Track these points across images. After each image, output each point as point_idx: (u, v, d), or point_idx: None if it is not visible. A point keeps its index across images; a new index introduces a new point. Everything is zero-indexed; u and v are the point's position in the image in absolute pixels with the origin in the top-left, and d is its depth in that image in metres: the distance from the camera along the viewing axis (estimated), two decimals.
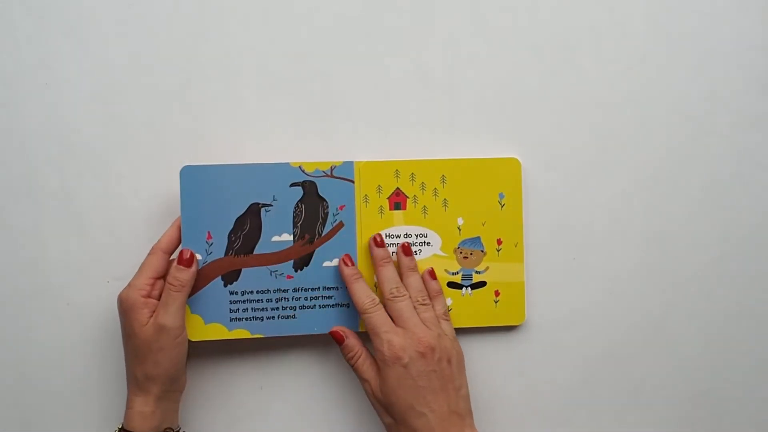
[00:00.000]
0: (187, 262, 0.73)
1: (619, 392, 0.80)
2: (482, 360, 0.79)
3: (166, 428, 0.72)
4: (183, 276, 0.73)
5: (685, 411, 0.81)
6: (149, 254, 0.74)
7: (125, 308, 0.72)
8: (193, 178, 0.75)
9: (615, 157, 0.80)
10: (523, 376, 0.80)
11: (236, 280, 0.76)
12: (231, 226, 0.76)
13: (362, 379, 0.73)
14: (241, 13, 0.79)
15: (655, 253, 0.81)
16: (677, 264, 0.81)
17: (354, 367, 0.74)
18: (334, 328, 0.75)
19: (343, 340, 0.75)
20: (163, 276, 0.74)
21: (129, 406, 0.72)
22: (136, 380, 0.72)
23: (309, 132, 0.79)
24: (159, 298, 0.73)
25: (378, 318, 0.73)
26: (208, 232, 0.75)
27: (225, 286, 0.76)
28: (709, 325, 0.81)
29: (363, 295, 0.74)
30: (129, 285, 0.73)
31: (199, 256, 0.75)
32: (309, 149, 0.79)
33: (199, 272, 0.75)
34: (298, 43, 0.79)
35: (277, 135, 0.79)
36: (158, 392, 0.71)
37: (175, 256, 0.75)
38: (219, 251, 0.76)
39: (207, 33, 0.79)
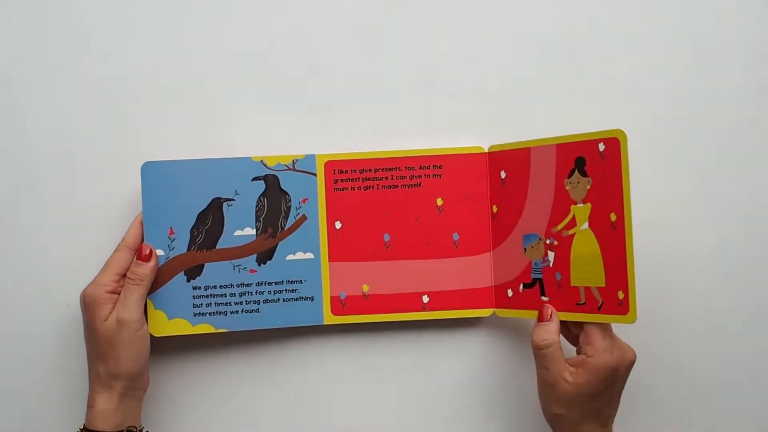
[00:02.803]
0: (145, 257, 0.73)
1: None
2: None
3: (129, 426, 0.71)
4: (141, 270, 0.73)
5: (686, 410, 0.82)
6: (115, 251, 0.74)
7: (88, 304, 0.71)
8: (154, 174, 0.75)
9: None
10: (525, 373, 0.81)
11: (199, 275, 0.76)
12: (193, 222, 0.75)
13: (543, 367, 0.72)
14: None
15: (654, 253, 0.81)
16: (676, 263, 0.81)
17: (541, 353, 0.72)
18: (547, 304, 0.74)
19: (547, 319, 0.73)
20: None
21: (91, 404, 0.71)
22: (98, 377, 0.71)
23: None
24: None
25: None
26: (170, 228, 0.75)
27: (188, 281, 0.76)
28: (707, 324, 0.81)
29: None
30: (93, 281, 0.72)
31: (161, 252, 0.75)
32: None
33: (161, 268, 0.75)
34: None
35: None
36: (121, 389, 0.71)
37: None
38: (181, 246, 0.75)
39: (208, 33, 0.79)
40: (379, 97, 0.81)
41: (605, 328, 0.71)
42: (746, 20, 0.82)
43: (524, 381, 0.80)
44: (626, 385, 0.72)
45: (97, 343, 0.71)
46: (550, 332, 0.72)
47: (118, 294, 0.72)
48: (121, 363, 0.71)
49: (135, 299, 0.72)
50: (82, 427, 0.71)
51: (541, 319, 0.73)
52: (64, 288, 0.77)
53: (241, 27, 0.80)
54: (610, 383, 0.70)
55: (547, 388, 0.72)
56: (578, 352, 0.73)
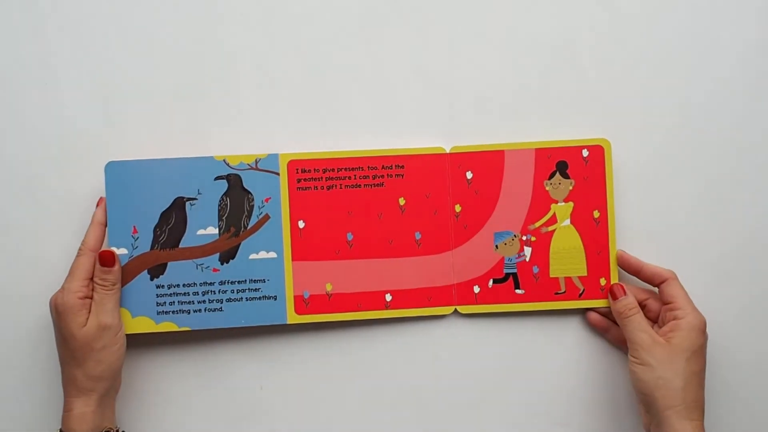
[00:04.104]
0: (109, 262, 0.74)
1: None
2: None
3: (106, 428, 0.72)
4: (111, 276, 0.74)
5: None
6: (78, 255, 0.74)
7: (61, 312, 0.72)
8: (118, 173, 0.76)
9: (615, 158, 0.80)
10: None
11: (162, 273, 0.77)
12: (156, 221, 0.76)
13: (638, 331, 0.74)
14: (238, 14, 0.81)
15: (653, 253, 0.80)
16: (676, 264, 0.79)
17: (629, 320, 0.75)
18: (616, 284, 0.78)
19: (623, 294, 0.77)
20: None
21: (67, 408, 0.72)
22: (74, 382, 0.72)
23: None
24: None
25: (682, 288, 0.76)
26: (134, 227, 0.76)
27: (151, 279, 0.77)
28: (708, 325, 0.79)
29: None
30: (63, 289, 0.73)
31: (124, 251, 0.76)
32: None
33: (125, 266, 0.76)
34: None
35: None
36: (102, 391, 0.72)
37: None
38: (145, 245, 0.76)
39: (209, 34, 0.80)
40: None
41: (686, 294, 0.76)
42: (746, 22, 0.81)
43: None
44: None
45: (74, 349, 0.72)
46: (629, 300, 0.76)
47: (89, 298, 0.73)
48: (103, 365, 0.72)
49: (113, 303, 0.74)
50: (59, 430, 0.72)
51: (616, 297, 0.77)
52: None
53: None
54: (705, 339, 0.74)
55: (648, 349, 0.73)
56: (660, 322, 0.77)
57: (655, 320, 0.78)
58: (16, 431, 0.79)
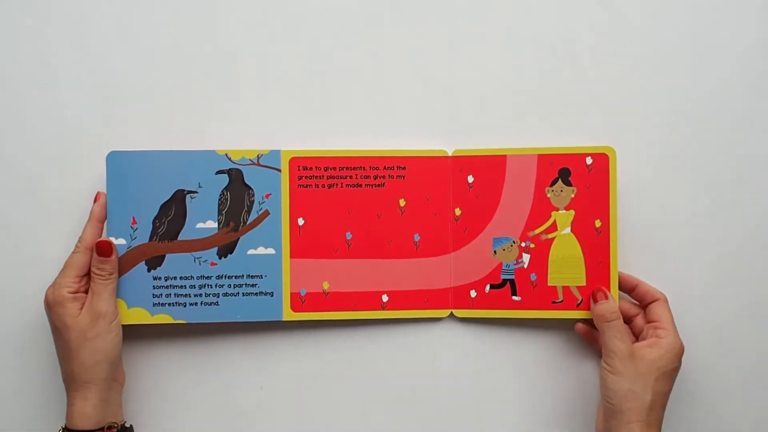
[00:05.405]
0: (107, 252, 0.74)
1: None
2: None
3: (109, 422, 0.72)
4: (108, 266, 0.74)
5: (683, 411, 0.81)
6: (74, 252, 0.74)
7: (53, 305, 0.72)
8: (119, 163, 0.76)
9: (617, 163, 0.79)
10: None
11: (160, 265, 0.77)
12: (156, 212, 0.76)
13: (616, 339, 0.74)
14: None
15: (653, 254, 0.81)
16: (677, 264, 0.80)
17: (610, 325, 0.75)
18: (599, 288, 0.77)
19: (604, 298, 0.76)
20: (89, 272, 0.74)
21: (69, 404, 0.72)
22: (72, 376, 0.72)
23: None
24: (86, 292, 0.74)
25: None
26: (133, 218, 0.76)
27: (149, 271, 0.77)
28: (707, 326, 0.80)
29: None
30: (55, 284, 0.73)
31: (123, 241, 0.76)
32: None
33: (122, 257, 0.76)
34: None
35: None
36: (100, 382, 0.72)
37: None
38: (143, 236, 0.76)
39: (209, 33, 0.80)
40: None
41: (672, 318, 0.76)
42: (746, 22, 0.82)
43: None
44: None
45: (68, 340, 0.72)
46: (613, 306, 0.76)
47: (81, 293, 0.73)
48: (99, 354, 0.72)
49: (109, 292, 0.73)
50: (63, 427, 0.72)
51: (597, 300, 0.76)
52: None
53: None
54: (678, 365, 0.74)
55: (622, 359, 0.73)
56: (641, 339, 0.77)
57: (636, 337, 0.78)
58: (16, 431, 0.79)
